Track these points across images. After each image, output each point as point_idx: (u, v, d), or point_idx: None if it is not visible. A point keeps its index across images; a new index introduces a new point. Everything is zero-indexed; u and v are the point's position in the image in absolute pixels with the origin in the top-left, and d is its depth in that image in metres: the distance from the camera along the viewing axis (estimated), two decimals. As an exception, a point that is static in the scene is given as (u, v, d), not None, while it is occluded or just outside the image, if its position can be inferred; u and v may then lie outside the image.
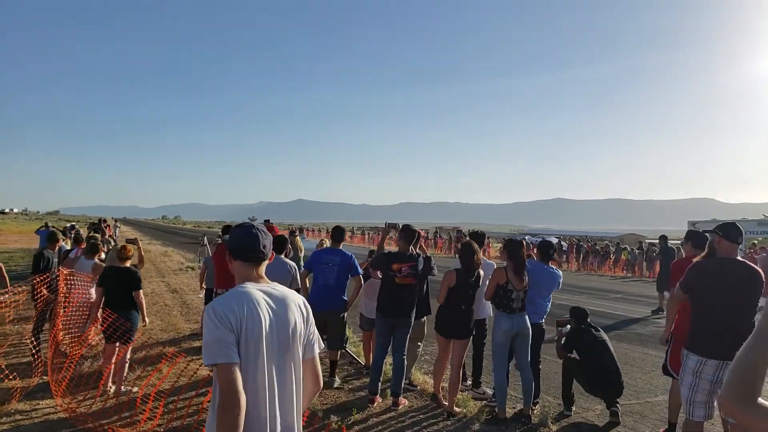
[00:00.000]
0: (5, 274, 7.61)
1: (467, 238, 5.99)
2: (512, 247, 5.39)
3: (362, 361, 7.29)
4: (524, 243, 5.64)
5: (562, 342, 5.67)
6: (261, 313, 2.06)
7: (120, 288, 5.85)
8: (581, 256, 30.35)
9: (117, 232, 29.76)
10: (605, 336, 5.52)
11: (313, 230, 63.13)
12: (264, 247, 2.20)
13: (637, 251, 28.63)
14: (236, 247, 2.19)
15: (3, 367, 6.03)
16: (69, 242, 11.25)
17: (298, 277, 6.48)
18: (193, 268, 19.00)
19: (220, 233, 9.45)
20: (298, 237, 12.28)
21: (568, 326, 5.77)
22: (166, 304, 11.85)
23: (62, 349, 6.71)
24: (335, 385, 6.29)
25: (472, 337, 5.67)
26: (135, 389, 5.98)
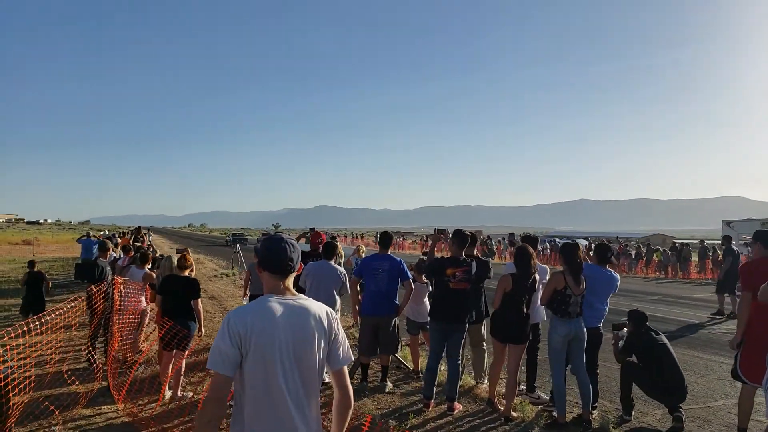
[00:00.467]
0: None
1: (520, 243, 5.97)
2: (568, 251, 5.34)
3: (410, 365, 7.30)
4: (580, 246, 5.55)
5: (620, 346, 5.59)
6: (275, 326, 2.14)
7: (179, 296, 5.96)
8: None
9: (149, 240, 30.30)
10: (665, 339, 5.42)
11: (346, 236, 63.50)
12: (291, 260, 2.26)
13: (670, 252, 28.06)
14: (265, 259, 2.26)
15: (67, 372, 6.20)
16: (118, 251, 11.53)
17: (347, 283, 6.54)
18: (227, 275, 19.25)
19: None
20: (339, 243, 12.32)
21: (625, 330, 5.68)
22: (207, 310, 11.99)
23: (118, 356, 6.88)
24: (387, 390, 6.31)
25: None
26: (190, 394, 6.09)
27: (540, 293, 5.56)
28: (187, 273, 6.17)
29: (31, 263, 9.94)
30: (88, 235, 19.22)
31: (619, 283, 5.67)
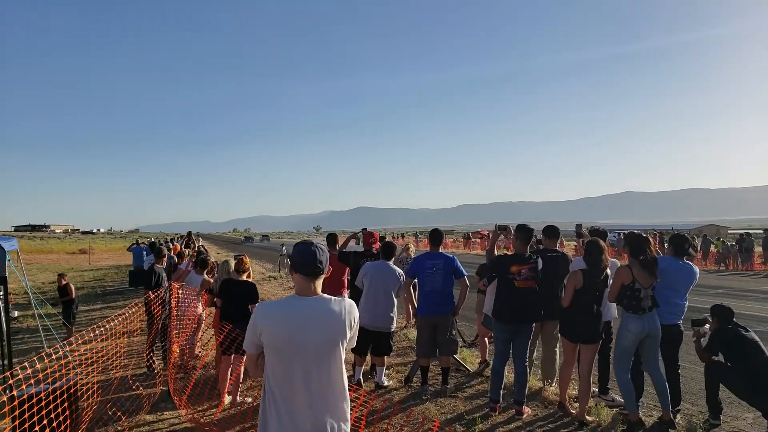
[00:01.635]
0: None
1: (587, 235, 5.64)
2: (635, 242, 4.99)
3: (470, 367, 7.05)
4: (649, 238, 5.17)
5: (704, 344, 5.18)
6: (297, 324, 2.39)
7: (238, 300, 5.89)
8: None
9: (199, 245, 30.92)
10: (756, 336, 4.99)
11: (384, 237, 63.66)
12: (321, 262, 2.48)
13: (733, 243, 26.70)
14: (297, 262, 2.48)
15: (131, 378, 6.23)
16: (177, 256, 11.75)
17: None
18: (275, 278, 19.43)
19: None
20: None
21: (707, 326, 5.26)
22: (258, 314, 12.07)
23: (177, 362, 6.89)
24: (449, 393, 6.07)
25: (599, 341, 5.31)
26: (249, 399, 6.02)
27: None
28: (244, 277, 6.10)
29: (60, 276, 10.31)
30: (138, 243, 19.80)
31: (698, 276, 5.28)
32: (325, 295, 2.53)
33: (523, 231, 5.43)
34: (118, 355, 5.95)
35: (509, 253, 5.67)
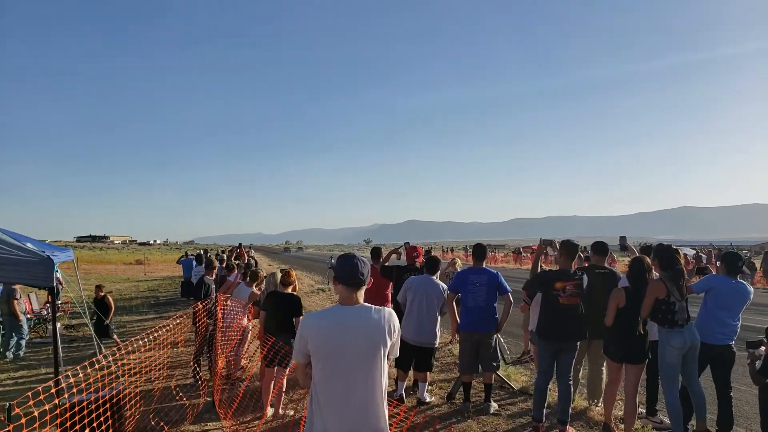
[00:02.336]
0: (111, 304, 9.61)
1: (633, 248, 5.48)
2: (666, 254, 4.83)
3: (514, 385, 6.92)
4: (679, 250, 4.97)
5: (758, 366, 4.91)
6: (341, 332, 2.52)
7: (282, 313, 5.97)
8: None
9: (248, 257, 31.55)
10: (815, 359, 4.70)
11: (444, 250, 63.49)
12: (362, 274, 2.61)
13: None
14: (340, 273, 2.62)
15: (176, 388, 6.42)
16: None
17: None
18: (324, 290, 19.68)
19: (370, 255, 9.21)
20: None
21: (762, 348, 4.99)
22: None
23: (223, 372, 7.05)
24: (492, 411, 5.97)
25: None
26: (291, 412, 6.08)
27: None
28: (290, 290, 6.18)
29: (98, 288, 10.41)
30: (187, 255, 20.46)
31: (752, 296, 5.04)
32: (366, 303, 2.66)
33: (568, 247, 5.32)
34: (163, 365, 6.13)
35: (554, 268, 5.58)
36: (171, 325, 5.46)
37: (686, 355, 4.78)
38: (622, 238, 6.47)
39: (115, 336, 9.98)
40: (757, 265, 27.65)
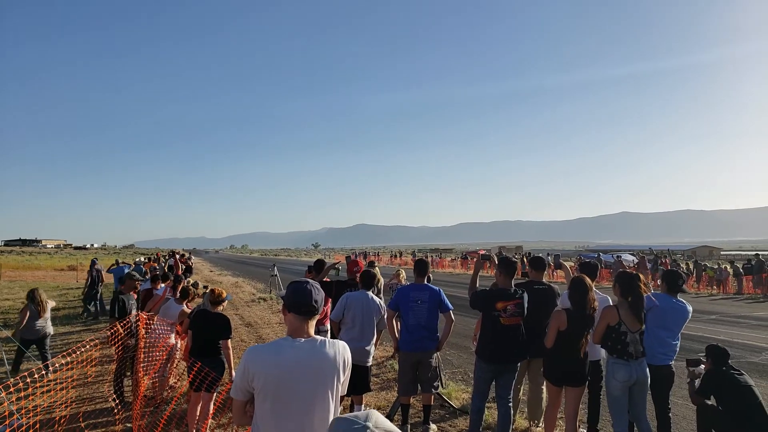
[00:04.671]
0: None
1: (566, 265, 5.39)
2: (626, 280, 4.71)
3: (455, 404, 6.75)
4: (641, 276, 4.88)
5: (697, 386, 4.91)
6: (291, 367, 2.30)
7: (208, 334, 5.56)
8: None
9: (191, 263, 30.24)
10: (750, 380, 4.71)
11: (377, 255, 63.66)
12: (315, 302, 2.40)
13: (743, 266, 26.72)
14: (291, 302, 2.41)
15: (82, 416, 5.84)
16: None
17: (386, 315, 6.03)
18: (265, 300, 18.82)
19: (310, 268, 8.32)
20: (377, 267, 11.76)
21: (702, 366, 5.00)
22: (242, 339, 11.59)
23: (147, 394, 6.53)
24: (431, 432, 5.76)
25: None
26: (218, 437, 5.69)
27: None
28: (219, 309, 5.76)
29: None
30: (118, 263, 18.56)
31: (690, 315, 5.04)
32: (318, 336, 2.46)
33: (507, 264, 5.16)
34: (70, 390, 5.51)
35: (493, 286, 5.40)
36: (79, 352, 4.83)
37: (634, 389, 4.66)
38: (556, 257, 6.43)
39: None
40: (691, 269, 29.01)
